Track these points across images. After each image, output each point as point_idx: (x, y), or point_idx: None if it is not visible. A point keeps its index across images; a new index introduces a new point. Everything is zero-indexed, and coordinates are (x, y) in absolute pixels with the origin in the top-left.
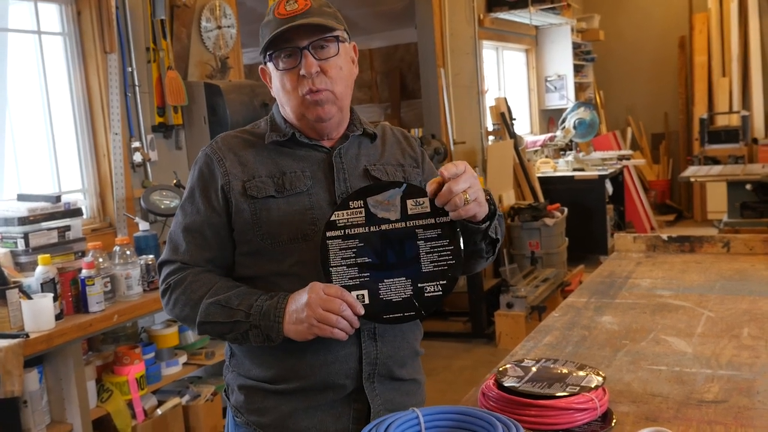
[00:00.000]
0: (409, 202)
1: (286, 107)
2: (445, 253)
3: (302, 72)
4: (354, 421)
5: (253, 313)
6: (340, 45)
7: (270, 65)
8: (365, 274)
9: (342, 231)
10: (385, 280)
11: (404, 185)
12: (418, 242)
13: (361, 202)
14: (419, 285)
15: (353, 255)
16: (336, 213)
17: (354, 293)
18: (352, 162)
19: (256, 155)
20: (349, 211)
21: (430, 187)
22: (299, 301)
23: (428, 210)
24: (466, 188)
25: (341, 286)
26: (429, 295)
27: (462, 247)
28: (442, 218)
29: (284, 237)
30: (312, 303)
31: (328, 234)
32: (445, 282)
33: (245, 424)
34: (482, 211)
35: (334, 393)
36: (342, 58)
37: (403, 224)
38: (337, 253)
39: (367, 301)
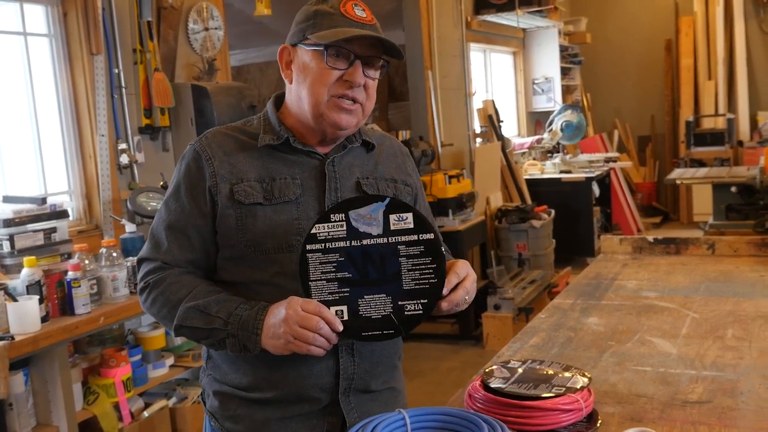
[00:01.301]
0: (392, 217)
1: (305, 100)
2: (427, 271)
3: (348, 78)
4: None
5: (231, 322)
6: (385, 71)
7: (308, 53)
8: (345, 290)
9: (323, 245)
10: (365, 297)
11: (387, 199)
12: (400, 258)
13: (343, 215)
14: (399, 303)
15: (333, 269)
16: (317, 226)
17: (333, 309)
18: (345, 172)
19: (247, 157)
20: (330, 224)
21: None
22: (277, 315)
23: (411, 226)
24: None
25: (320, 301)
26: (409, 313)
27: (445, 266)
28: (426, 235)
29: (268, 246)
30: (289, 320)
31: (308, 247)
32: (426, 301)
33: (220, 429)
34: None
35: (309, 405)
36: (378, 82)
37: (385, 240)
38: (317, 267)
39: (346, 317)
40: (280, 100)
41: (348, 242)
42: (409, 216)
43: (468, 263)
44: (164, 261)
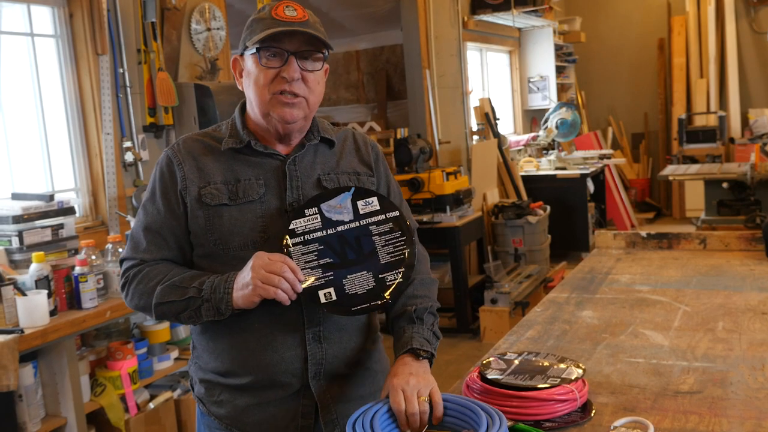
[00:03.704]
0: (360, 203)
1: (253, 102)
2: (399, 243)
3: (284, 75)
4: (303, 416)
5: (204, 289)
6: (323, 63)
7: (249, 58)
8: (329, 274)
9: (302, 237)
10: (348, 276)
11: (353, 189)
12: (373, 237)
13: (316, 208)
14: (380, 276)
15: (315, 258)
16: (294, 222)
17: (321, 292)
18: (306, 170)
19: (214, 161)
20: (305, 218)
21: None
22: (245, 270)
23: (378, 207)
24: (420, 395)
25: (307, 287)
26: (390, 283)
27: (414, 235)
28: (392, 213)
29: (235, 244)
30: (256, 267)
31: (290, 242)
32: (403, 269)
33: (208, 413)
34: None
35: (282, 390)
36: (320, 75)
37: (357, 223)
38: (300, 258)
39: (334, 297)
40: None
41: (324, 231)
42: (374, 199)
43: (418, 377)
44: (143, 259)
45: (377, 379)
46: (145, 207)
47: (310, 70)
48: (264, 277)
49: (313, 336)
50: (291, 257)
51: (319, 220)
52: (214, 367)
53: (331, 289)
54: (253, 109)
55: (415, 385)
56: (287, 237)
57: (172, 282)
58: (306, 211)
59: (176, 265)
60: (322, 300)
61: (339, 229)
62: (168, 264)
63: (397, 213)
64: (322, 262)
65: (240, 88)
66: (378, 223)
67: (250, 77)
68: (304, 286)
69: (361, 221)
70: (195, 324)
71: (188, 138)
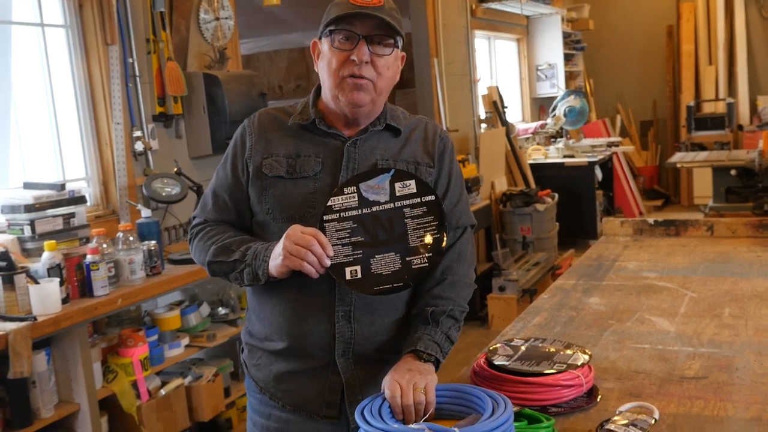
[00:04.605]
0: (397, 185)
1: (324, 84)
2: (430, 227)
3: (353, 57)
4: (329, 390)
5: (248, 254)
6: (395, 49)
7: (325, 41)
8: (358, 252)
9: (338, 214)
10: (376, 256)
11: (392, 171)
12: (405, 220)
13: (355, 187)
14: (407, 258)
15: (348, 235)
16: (332, 198)
17: (348, 269)
18: (365, 154)
19: (282, 135)
20: (343, 196)
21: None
22: (281, 240)
23: (414, 191)
24: (415, 387)
25: (336, 263)
26: (416, 267)
27: (446, 222)
28: (427, 197)
29: (284, 215)
30: (288, 238)
31: (326, 218)
32: (430, 254)
33: (249, 376)
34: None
35: (312, 361)
36: (391, 60)
37: (392, 205)
38: (333, 234)
39: (359, 275)
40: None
41: (360, 210)
42: (412, 182)
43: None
44: (206, 219)
45: None
46: (217, 171)
47: (379, 54)
48: (294, 249)
49: (343, 314)
50: (325, 233)
51: (356, 198)
52: (257, 331)
53: (358, 267)
54: (324, 90)
55: (410, 378)
56: (323, 213)
57: (224, 243)
58: (345, 189)
59: (234, 228)
60: (348, 276)
61: (374, 209)
62: (227, 226)
63: (432, 197)
64: (353, 239)
65: (316, 70)
66: (412, 206)
67: (324, 59)
68: (332, 262)
69: (396, 203)
70: (241, 285)
71: (264, 111)
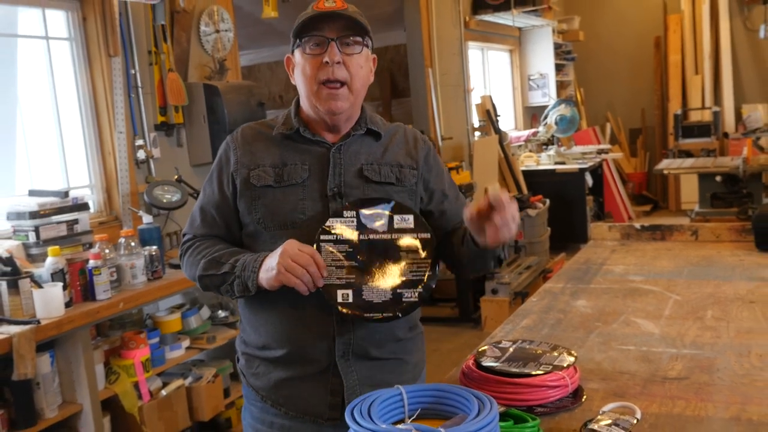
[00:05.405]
0: (396, 218)
1: (302, 94)
2: (423, 264)
3: (325, 59)
4: (331, 393)
5: (237, 266)
6: (364, 48)
7: (297, 52)
8: (351, 276)
9: (335, 236)
10: (368, 284)
11: (392, 202)
12: (400, 253)
13: (354, 212)
14: (398, 291)
15: (342, 258)
16: (331, 220)
17: (340, 292)
18: (350, 159)
19: (266, 146)
20: (342, 219)
21: (481, 202)
22: (275, 254)
23: (412, 226)
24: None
25: (329, 284)
26: (406, 300)
27: (437, 261)
28: (423, 234)
29: (276, 223)
30: (285, 253)
31: (322, 238)
32: (421, 290)
33: (247, 384)
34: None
35: (311, 366)
36: (363, 59)
37: (389, 236)
38: (328, 255)
39: (351, 300)
40: None
41: (357, 236)
42: (411, 217)
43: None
44: (196, 234)
45: (408, 370)
46: (204, 188)
47: (349, 54)
48: (289, 265)
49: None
50: (320, 252)
51: (355, 223)
52: (253, 340)
53: (350, 291)
54: (303, 100)
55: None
56: (320, 233)
57: (213, 257)
58: (345, 212)
59: (223, 241)
60: (339, 299)
61: (371, 237)
62: (216, 240)
63: (428, 235)
64: (348, 263)
65: (293, 83)
66: (408, 241)
67: (298, 68)
68: (325, 282)
69: (393, 235)
70: (232, 297)
71: (246, 126)
